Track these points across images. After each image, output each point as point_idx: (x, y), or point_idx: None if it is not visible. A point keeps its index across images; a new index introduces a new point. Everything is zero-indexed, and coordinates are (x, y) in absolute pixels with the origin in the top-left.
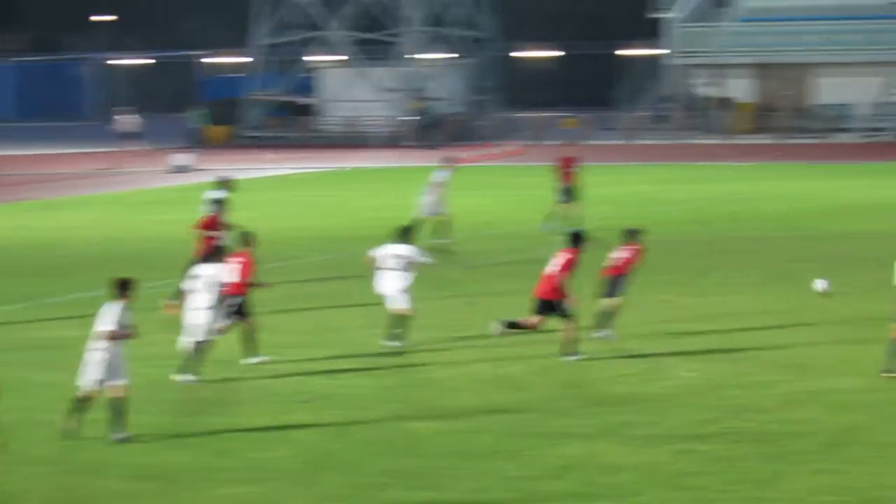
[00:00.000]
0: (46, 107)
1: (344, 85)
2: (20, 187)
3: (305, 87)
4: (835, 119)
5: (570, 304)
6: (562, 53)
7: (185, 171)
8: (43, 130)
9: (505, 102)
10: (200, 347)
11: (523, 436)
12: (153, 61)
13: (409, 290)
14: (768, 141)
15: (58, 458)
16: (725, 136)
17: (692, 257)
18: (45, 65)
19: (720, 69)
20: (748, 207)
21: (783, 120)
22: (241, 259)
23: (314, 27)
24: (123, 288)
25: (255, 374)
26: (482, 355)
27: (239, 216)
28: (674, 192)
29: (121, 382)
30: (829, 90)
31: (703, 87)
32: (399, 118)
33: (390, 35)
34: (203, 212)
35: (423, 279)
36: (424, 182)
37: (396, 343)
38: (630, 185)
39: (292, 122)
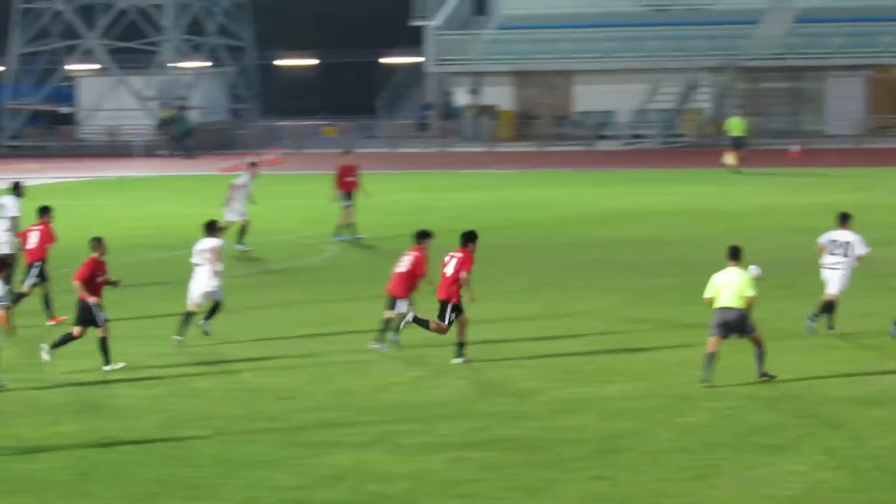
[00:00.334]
0: None
1: (104, 94)
2: None
3: (66, 97)
4: (596, 126)
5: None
6: (318, 62)
7: None
8: None
9: (265, 111)
10: None
11: (293, 445)
12: None
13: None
14: (530, 148)
15: None
16: (487, 143)
17: None
18: None
19: (479, 77)
20: (511, 215)
21: (544, 127)
22: None
23: (73, 35)
24: None
25: (23, 385)
26: (250, 365)
27: None
28: (436, 200)
29: None
30: (590, 97)
31: (464, 95)
32: (154, 127)
33: (149, 44)
34: None
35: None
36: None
37: (182, 337)
38: (393, 194)
39: (54, 132)
